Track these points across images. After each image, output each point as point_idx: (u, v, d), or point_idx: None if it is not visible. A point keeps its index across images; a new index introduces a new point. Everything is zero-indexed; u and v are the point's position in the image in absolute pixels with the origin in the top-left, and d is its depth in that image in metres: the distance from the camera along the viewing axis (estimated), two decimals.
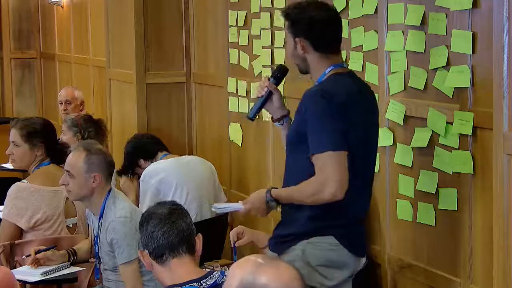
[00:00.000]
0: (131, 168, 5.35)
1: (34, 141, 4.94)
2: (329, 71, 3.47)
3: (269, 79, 3.64)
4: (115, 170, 4.61)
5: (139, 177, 5.24)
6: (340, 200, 3.31)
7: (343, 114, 3.33)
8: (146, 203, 4.92)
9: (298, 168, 3.43)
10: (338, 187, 3.28)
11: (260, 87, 3.64)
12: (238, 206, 3.62)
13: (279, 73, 3.67)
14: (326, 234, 3.42)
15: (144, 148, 5.32)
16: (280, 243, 3.50)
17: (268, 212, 3.55)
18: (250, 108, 3.69)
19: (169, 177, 5.06)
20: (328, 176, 3.28)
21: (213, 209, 3.83)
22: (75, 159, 4.19)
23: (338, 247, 3.43)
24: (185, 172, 5.14)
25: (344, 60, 4.47)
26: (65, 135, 5.81)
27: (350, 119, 3.36)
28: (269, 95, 3.63)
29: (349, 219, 3.46)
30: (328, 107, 3.32)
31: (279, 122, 3.69)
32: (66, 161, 4.27)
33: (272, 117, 3.73)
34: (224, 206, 3.91)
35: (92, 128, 5.89)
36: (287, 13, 3.51)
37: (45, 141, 4.97)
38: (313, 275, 3.41)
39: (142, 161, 5.28)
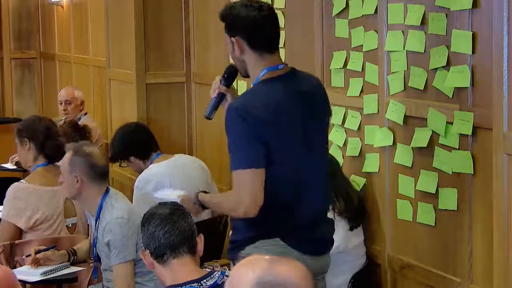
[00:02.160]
0: (120, 159, 5.31)
1: (20, 138, 4.97)
2: (262, 75, 3.41)
3: (220, 81, 3.62)
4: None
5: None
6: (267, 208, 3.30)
7: (260, 130, 3.26)
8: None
9: None
10: (251, 207, 3.28)
11: (212, 89, 3.64)
12: (175, 197, 3.63)
13: (227, 74, 3.62)
14: (271, 236, 3.38)
15: (139, 147, 5.25)
16: (232, 249, 3.49)
17: (198, 212, 3.58)
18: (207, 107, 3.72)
19: (164, 181, 5.05)
20: (241, 195, 3.28)
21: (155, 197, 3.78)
22: (64, 159, 4.32)
23: (286, 248, 3.37)
24: (178, 173, 5.12)
25: (344, 60, 4.48)
26: None
27: (272, 131, 3.29)
28: (222, 95, 3.63)
29: (295, 221, 3.39)
30: (243, 124, 3.28)
31: None
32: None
33: (205, 115, 3.72)
34: (165, 194, 3.80)
35: (77, 137, 5.88)
36: (222, 15, 3.51)
37: (31, 137, 4.95)
38: None
39: (133, 158, 5.23)
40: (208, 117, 3.70)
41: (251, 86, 3.49)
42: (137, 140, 5.25)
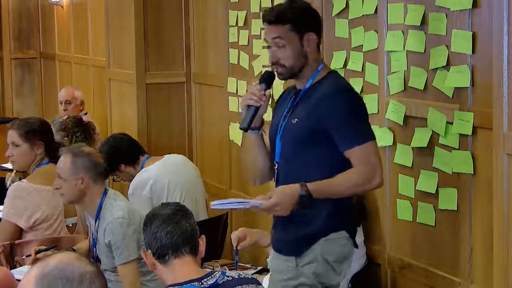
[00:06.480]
0: (112, 172, 5.27)
1: (33, 140, 4.95)
2: (321, 68, 3.49)
3: (262, 87, 3.47)
4: None
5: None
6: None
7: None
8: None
9: (319, 166, 3.37)
10: (382, 176, 3.41)
11: (256, 96, 3.45)
12: (256, 202, 3.33)
13: (268, 79, 3.52)
14: (340, 229, 3.44)
15: (125, 154, 5.20)
16: (299, 245, 3.44)
17: (293, 209, 3.34)
18: (243, 118, 3.48)
19: (159, 182, 5.02)
20: (375, 166, 3.37)
21: (212, 207, 3.41)
22: (63, 163, 4.24)
23: (348, 241, 3.47)
24: (175, 173, 5.11)
25: (344, 60, 4.49)
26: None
27: None
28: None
29: (355, 214, 3.57)
30: (357, 100, 3.46)
31: (259, 130, 3.56)
32: (57, 166, 4.30)
33: (245, 127, 3.49)
34: (226, 202, 3.44)
35: (80, 132, 5.87)
36: (292, 12, 3.40)
37: (44, 139, 4.97)
38: (328, 272, 3.43)
39: (123, 166, 5.20)
40: (247, 129, 3.47)
41: (309, 80, 3.46)
42: (122, 147, 5.21)
